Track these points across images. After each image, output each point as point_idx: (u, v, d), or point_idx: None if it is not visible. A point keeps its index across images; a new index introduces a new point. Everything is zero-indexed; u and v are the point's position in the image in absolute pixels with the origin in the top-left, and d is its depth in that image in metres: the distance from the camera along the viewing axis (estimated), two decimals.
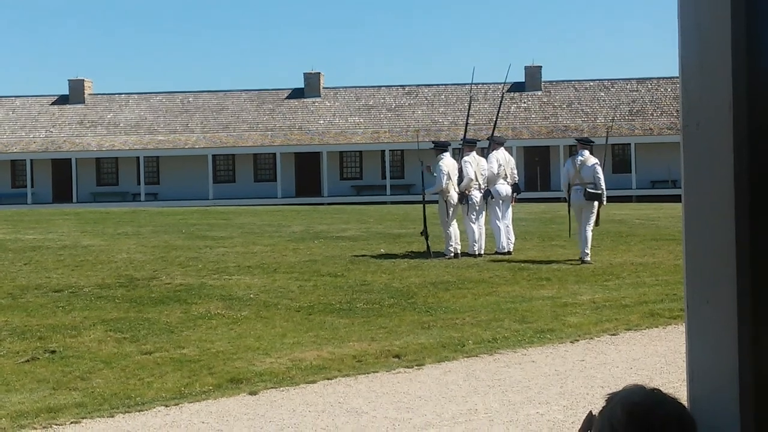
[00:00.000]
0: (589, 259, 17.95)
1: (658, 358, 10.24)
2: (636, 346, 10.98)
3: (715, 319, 2.26)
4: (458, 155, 19.98)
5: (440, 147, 19.88)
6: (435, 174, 19.17)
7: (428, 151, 21.04)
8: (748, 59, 2.18)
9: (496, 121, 23.87)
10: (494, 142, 20.63)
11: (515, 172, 20.46)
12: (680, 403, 2.23)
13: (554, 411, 8.26)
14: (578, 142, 19.45)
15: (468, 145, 20.13)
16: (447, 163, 19.20)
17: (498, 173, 19.82)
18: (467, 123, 22.63)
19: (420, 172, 20.39)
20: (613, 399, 2.20)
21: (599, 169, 18.23)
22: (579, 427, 2.08)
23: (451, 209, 19.01)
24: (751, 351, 2.19)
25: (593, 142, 19.63)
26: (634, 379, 9.04)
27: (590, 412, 2.09)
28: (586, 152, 18.51)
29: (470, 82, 24.97)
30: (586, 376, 9.50)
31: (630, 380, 8.81)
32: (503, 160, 20.09)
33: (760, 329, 2.19)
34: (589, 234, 18.10)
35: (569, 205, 18.72)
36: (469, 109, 23.10)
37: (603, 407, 2.16)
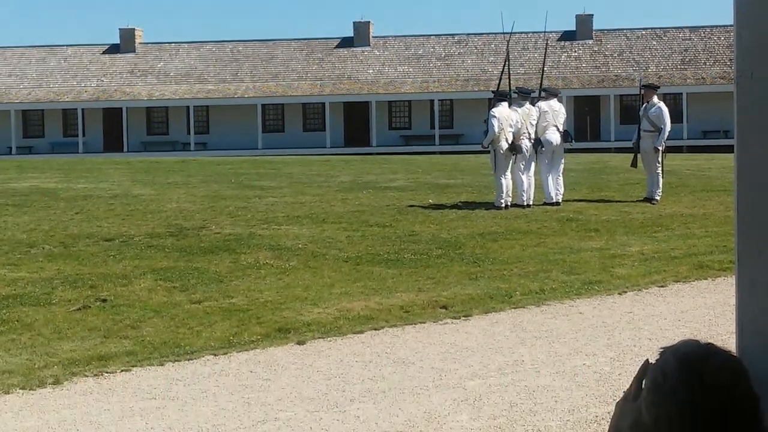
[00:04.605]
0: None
1: (706, 310, 10.16)
2: (684, 298, 10.90)
3: (767, 270, 2.23)
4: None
5: (499, 97, 19.68)
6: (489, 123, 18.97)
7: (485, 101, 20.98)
8: None
9: (543, 70, 23.61)
10: (548, 93, 20.49)
11: (563, 123, 20.21)
12: (735, 356, 2.19)
13: (601, 363, 8.24)
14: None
15: (521, 94, 19.97)
16: (502, 112, 18.98)
17: (548, 122, 19.65)
18: (509, 73, 22.08)
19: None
20: (666, 351, 2.18)
21: None
22: (634, 375, 2.06)
23: (502, 159, 18.82)
24: None
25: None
26: (683, 331, 9.00)
27: (647, 360, 2.07)
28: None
29: (507, 31, 24.26)
30: (633, 328, 9.45)
31: (678, 332, 8.79)
32: (552, 110, 19.89)
33: None
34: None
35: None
36: (507, 59, 22.32)
37: (657, 359, 2.14)
